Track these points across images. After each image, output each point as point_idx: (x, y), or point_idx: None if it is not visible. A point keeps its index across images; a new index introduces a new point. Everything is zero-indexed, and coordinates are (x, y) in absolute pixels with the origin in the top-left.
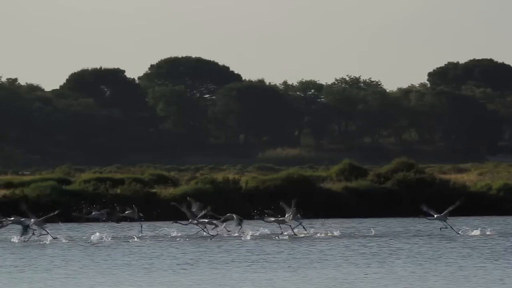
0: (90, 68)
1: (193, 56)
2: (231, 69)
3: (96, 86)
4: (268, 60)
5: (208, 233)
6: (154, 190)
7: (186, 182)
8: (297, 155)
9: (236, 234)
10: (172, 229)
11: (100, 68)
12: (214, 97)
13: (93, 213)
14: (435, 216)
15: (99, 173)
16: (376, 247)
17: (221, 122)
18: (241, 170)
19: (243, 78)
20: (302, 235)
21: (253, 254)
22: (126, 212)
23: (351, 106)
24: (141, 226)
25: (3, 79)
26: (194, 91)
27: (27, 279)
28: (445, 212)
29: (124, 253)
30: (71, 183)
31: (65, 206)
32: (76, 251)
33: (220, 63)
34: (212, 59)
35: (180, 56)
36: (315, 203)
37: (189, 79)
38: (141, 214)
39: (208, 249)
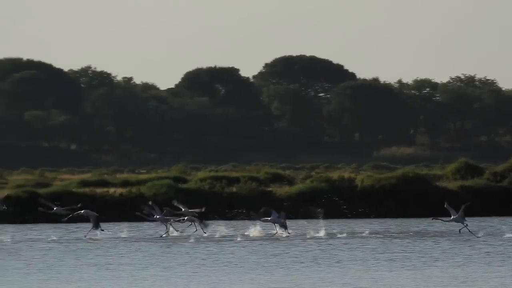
0: (205, 67)
1: (307, 54)
2: (345, 67)
3: (210, 85)
4: (383, 58)
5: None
6: (269, 189)
7: (301, 181)
8: (412, 154)
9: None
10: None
11: (215, 67)
12: (328, 95)
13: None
14: (452, 217)
15: (214, 172)
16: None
17: (336, 120)
18: (356, 168)
19: (358, 77)
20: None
21: (377, 252)
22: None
23: (467, 104)
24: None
25: (119, 78)
26: (309, 90)
27: (151, 277)
28: (460, 212)
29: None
30: (187, 182)
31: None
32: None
33: (334, 61)
34: (326, 58)
35: (294, 54)
36: (430, 202)
37: (304, 77)
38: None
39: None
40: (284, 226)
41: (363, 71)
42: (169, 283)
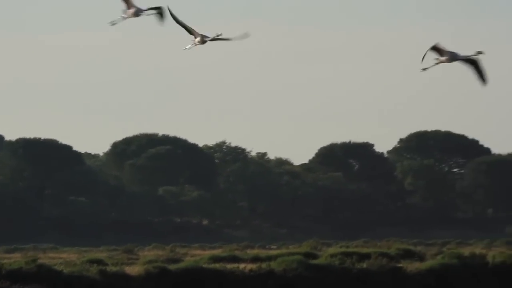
0: (339, 143)
1: (442, 130)
2: (480, 142)
3: (345, 160)
4: None
5: None
6: (400, 265)
7: (432, 257)
8: None
9: None
10: None
11: (349, 142)
12: (462, 171)
13: None
14: None
15: (345, 247)
16: None
17: (469, 196)
18: (488, 244)
19: (493, 152)
20: None
21: None
22: None
23: None
24: None
25: (253, 153)
26: (443, 165)
27: None
28: None
29: None
30: (317, 257)
31: (311, 281)
32: None
33: (469, 136)
34: (461, 133)
35: (429, 130)
36: None
37: (438, 153)
38: None
39: None
40: None
41: (499, 146)
42: None
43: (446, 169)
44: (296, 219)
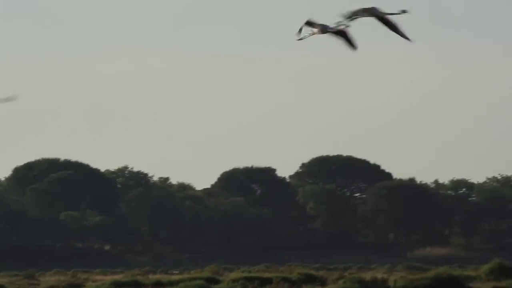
0: (241, 167)
1: (344, 154)
2: (382, 167)
3: (247, 185)
4: (420, 158)
5: None
6: None
7: (334, 281)
8: (446, 254)
9: None
10: None
11: (252, 167)
12: (364, 195)
13: None
14: None
15: (247, 272)
16: None
17: (370, 221)
18: (389, 269)
19: (394, 177)
20: None
21: None
22: None
23: (503, 205)
24: None
25: (155, 178)
26: (345, 190)
27: None
28: None
29: None
30: (219, 282)
31: None
32: None
33: (371, 161)
34: (363, 158)
35: (331, 154)
36: None
37: (340, 177)
38: None
39: None
40: None
41: (400, 171)
42: None
43: (348, 193)
44: (199, 244)
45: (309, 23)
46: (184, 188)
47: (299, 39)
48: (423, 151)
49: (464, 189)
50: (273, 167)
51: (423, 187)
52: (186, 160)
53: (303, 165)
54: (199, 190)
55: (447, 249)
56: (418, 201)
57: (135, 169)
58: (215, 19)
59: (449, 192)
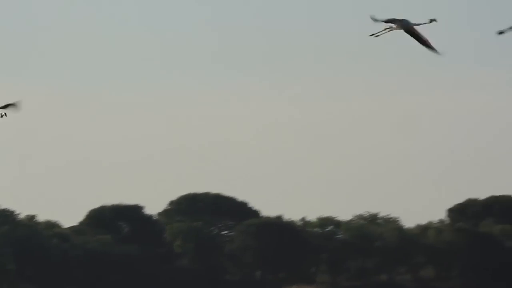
0: (109, 205)
1: (212, 192)
2: (249, 205)
3: (114, 222)
4: (287, 195)
5: None
6: None
7: None
8: None
9: None
10: None
11: (119, 204)
12: (232, 233)
13: None
14: None
15: None
16: None
17: (238, 258)
18: None
19: (261, 215)
20: None
21: None
22: None
23: (369, 242)
24: None
25: (22, 216)
26: (212, 228)
27: None
28: None
29: None
30: None
31: None
32: None
33: (239, 198)
34: (231, 195)
35: (199, 192)
36: None
37: (208, 215)
38: None
39: None
40: None
41: (268, 208)
42: None
43: (216, 231)
44: (66, 283)
45: (389, 20)
46: (51, 225)
47: (374, 35)
48: (291, 188)
49: (331, 227)
50: (141, 204)
51: (290, 225)
52: (54, 198)
53: (171, 203)
54: (66, 228)
55: (313, 287)
56: (285, 238)
57: (2, 207)
58: None
59: (316, 229)
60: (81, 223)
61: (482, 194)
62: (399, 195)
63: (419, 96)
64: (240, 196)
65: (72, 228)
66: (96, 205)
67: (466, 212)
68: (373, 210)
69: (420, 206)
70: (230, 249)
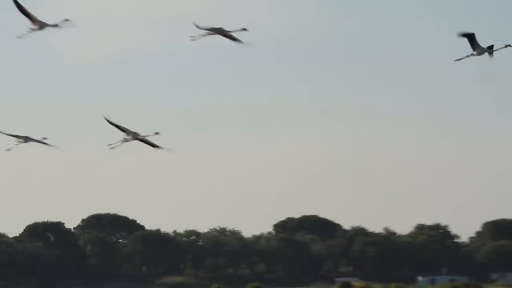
0: (40, 221)
1: (112, 212)
2: (137, 221)
3: (44, 233)
4: (164, 214)
5: None
6: None
7: None
8: (182, 281)
9: None
10: None
11: (47, 221)
12: (126, 241)
13: None
14: None
15: None
16: None
17: (130, 258)
18: None
19: (146, 228)
20: None
21: None
22: None
23: (220, 247)
24: None
25: None
26: (112, 237)
27: None
28: None
29: None
30: None
31: None
32: None
33: (131, 217)
34: (124, 214)
35: (103, 212)
36: None
37: (109, 229)
38: None
39: None
40: None
41: (151, 224)
42: None
43: (114, 239)
44: (12, 277)
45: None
46: (0, 236)
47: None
48: (167, 209)
49: (194, 236)
50: (62, 221)
51: (166, 235)
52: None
53: (83, 220)
54: (11, 238)
55: (182, 277)
56: (163, 245)
57: None
58: None
59: (183, 238)
60: (21, 234)
61: (297, 213)
62: (241, 214)
63: None
64: (131, 215)
65: (15, 238)
66: (31, 221)
67: (286, 226)
68: (222, 225)
69: (255, 222)
70: (125, 252)
